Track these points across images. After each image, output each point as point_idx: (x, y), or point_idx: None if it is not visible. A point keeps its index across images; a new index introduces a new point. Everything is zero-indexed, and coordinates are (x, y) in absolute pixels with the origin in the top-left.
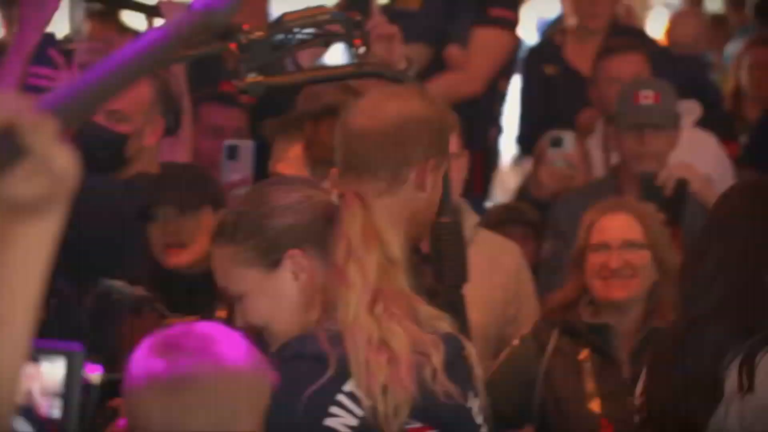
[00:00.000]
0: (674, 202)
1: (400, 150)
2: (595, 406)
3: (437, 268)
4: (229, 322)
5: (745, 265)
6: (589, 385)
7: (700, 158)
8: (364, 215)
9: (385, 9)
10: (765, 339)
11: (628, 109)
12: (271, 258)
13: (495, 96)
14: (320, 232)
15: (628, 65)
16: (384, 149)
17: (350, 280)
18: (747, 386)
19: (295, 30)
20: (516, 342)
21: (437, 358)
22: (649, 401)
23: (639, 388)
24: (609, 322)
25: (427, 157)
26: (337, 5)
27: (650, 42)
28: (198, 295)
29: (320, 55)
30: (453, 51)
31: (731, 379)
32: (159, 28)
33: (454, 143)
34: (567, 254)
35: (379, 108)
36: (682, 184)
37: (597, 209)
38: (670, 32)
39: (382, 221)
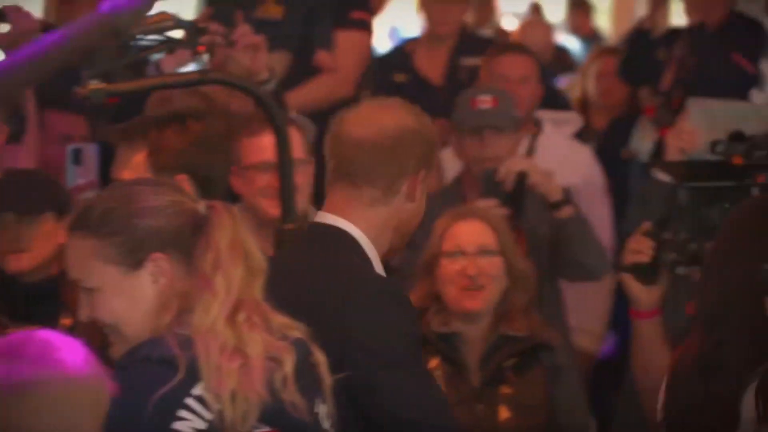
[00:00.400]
0: (515, 195)
1: (397, 161)
2: None
3: None
4: (73, 330)
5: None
6: None
7: (575, 169)
8: (233, 227)
9: (247, 18)
10: None
11: (467, 114)
12: (134, 258)
13: (351, 101)
14: (185, 239)
15: (515, 65)
16: (382, 159)
17: (216, 290)
18: (763, 414)
19: (138, 37)
20: None
21: (289, 365)
22: (669, 416)
23: (660, 402)
24: (458, 331)
25: (418, 169)
26: (203, 14)
27: None
28: (40, 302)
29: (186, 62)
30: (322, 55)
31: (748, 404)
32: (64, 29)
33: (300, 149)
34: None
35: (374, 119)
36: (521, 178)
37: (449, 216)
38: (518, 40)
39: (248, 233)
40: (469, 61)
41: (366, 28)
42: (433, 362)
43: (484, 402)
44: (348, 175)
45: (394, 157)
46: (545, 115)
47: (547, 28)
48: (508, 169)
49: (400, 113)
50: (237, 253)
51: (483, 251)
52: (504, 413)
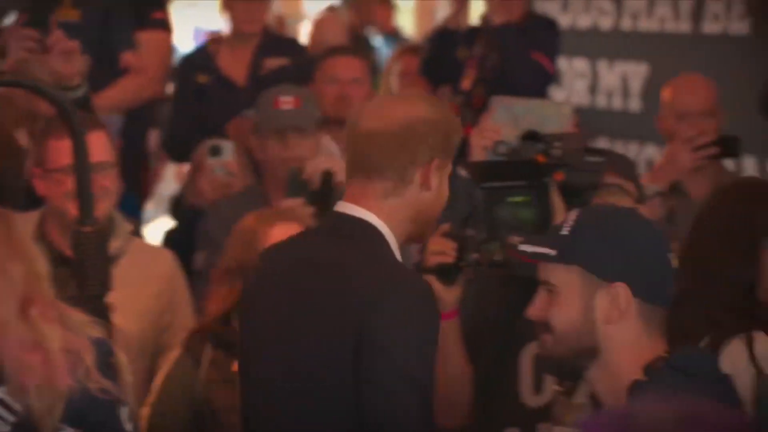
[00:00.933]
0: (321, 194)
1: (406, 151)
2: None
3: (80, 277)
4: None
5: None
6: None
7: None
8: (5, 231)
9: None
10: (729, 329)
11: (270, 114)
12: None
13: (156, 100)
14: None
15: (347, 67)
16: (391, 150)
17: None
18: None
19: None
20: (174, 355)
21: (90, 360)
22: None
23: None
24: None
25: (431, 157)
26: (18, 20)
27: (301, 50)
28: None
29: None
30: (127, 56)
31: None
32: None
33: (104, 152)
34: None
35: (385, 111)
36: (328, 176)
37: (258, 219)
38: (312, 38)
39: (26, 237)
40: (273, 62)
41: (167, 27)
42: (236, 365)
43: None
44: (361, 167)
45: (404, 147)
46: None
47: (341, 26)
48: (314, 167)
49: (412, 103)
50: (15, 255)
51: None
52: None
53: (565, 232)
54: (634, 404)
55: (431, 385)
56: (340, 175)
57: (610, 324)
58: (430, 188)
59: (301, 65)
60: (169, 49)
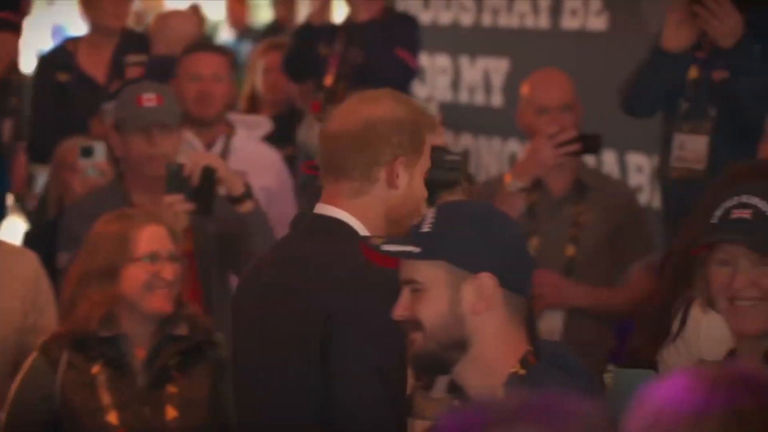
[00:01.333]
0: (201, 190)
1: (369, 150)
2: (112, 418)
3: None
4: None
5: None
6: (105, 397)
7: (268, 171)
8: None
9: None
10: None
11: (133, 112)
12: None
13: (8, 90)
14: None
15: (208, 64)
16: (354, 151)
17: None
18: (677, 331)
19: None
20: (30, 359)
21: None
22: None
23: None
24: (125, 333)
25: (395, 156)
26: None
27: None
28: None
29: None
30: None
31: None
32: None
33: None
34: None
35: (350, 112)
36: (208, 172)
37: (127, 221)
38: (166, 34)
39: None
40: (133, 59)
41: (12, 28)
42: (96, 367)
43: (150, 404)
44: (330, 168)
45: (366, 147)
46: (237, 118)
47: (188, 19)
48: (195, 163)
49: (377, 103)
50: None
51: (173, 256)
52: (171, 413)
53: (426, 229)
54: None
55: (399, 376)
56: (222, 172)
57: (478, 315)
58: (397, 186)
59: (160, 62)
60: (13, 49)
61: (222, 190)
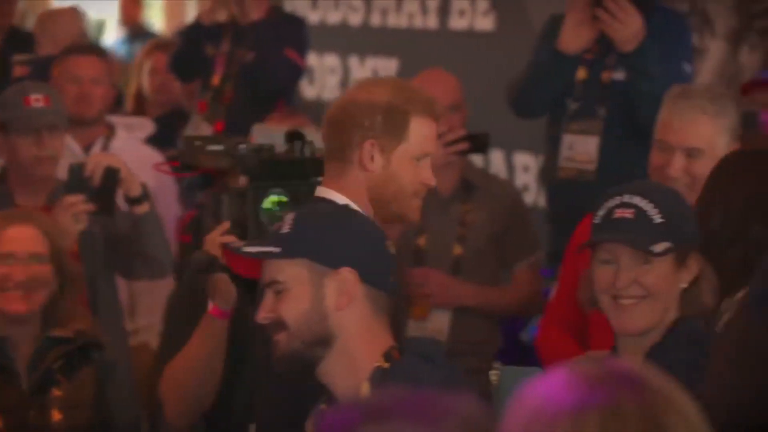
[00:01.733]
0: (103, 191)
1: (341, 133)
2: None
3: None
4: None
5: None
6: None
7: (142, 173)
8: None
9: None
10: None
11: (22, 113)
12: None
13: None
14: None
15: (87, 66)
16: (330, 133)
17: None
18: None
19: None
20: None
21: None
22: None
23: None
24: (7, 335)
25: (364, 138)
26: None
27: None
28: None
29: None
30: None
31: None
32: None
33: None
34: None
35: (339, 98)
36: (111, 173)
37: (1, 219)
38: (47, 33)
39: None
40: (19, 58)
41: None
42: None
43: (34, 408)
44: (324, 152)
45: (339, 129)
46: (117, 120)
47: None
48: (97, 163)
49: (360, 87)
50: None
51: (34, 257)
52: (56, 416)
53: (286, 230)
54: (374, 393)
55: None
56: (124, 172)
57: (341, 310)
58: (368, 169)
59: (46, 62)
60: None
61: (119, 191)
